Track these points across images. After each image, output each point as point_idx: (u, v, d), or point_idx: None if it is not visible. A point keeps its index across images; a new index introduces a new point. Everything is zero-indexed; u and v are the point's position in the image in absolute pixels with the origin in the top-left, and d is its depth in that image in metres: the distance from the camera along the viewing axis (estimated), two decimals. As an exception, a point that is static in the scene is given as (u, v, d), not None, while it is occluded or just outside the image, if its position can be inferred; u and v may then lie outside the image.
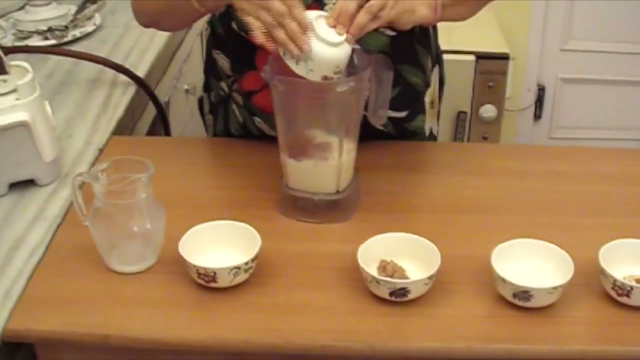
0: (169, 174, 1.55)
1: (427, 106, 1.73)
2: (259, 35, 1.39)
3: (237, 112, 1.69)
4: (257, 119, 1.66)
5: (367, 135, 1.52)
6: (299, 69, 1.35)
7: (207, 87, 1.80)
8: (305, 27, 1.33)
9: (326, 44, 1.34)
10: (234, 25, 1.58)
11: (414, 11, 1.43)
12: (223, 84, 1.70)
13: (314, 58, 1.34)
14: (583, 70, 3.65)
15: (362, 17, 1.35)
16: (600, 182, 1.62)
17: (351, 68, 1.39)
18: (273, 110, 1.44)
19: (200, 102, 1.85)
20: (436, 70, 1.76)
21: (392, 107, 1.59)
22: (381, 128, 1.66)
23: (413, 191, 1.58)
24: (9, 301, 1.26)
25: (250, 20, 1.38)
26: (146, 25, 1.68)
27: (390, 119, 1.63)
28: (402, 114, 1.68)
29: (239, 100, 1.67)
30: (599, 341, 1.23)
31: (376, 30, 1.46)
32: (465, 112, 3.24)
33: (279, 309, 1.26)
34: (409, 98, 1.68)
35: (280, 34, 1.33)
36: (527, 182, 1.61)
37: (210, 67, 1.74)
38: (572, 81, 3.68)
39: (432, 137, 1.80)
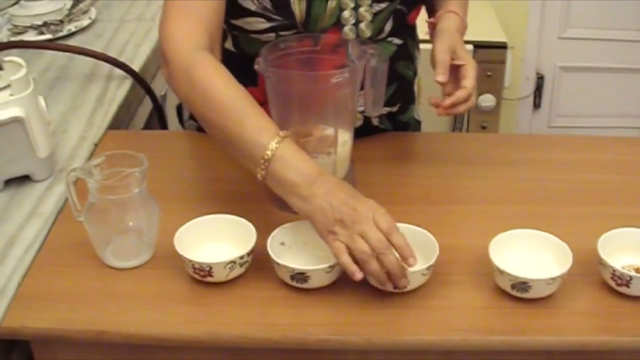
0: (164, 168, 1.55)
1: (416, 95, 1.74)
2: (346, 262, 1.20)
3: None
4: None
5: (365, 132, 1.51)
6: None
7: None
8: (406, 256, 1.20)
9: None
10: (227, 45, 1.56)
11: None
12: None
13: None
14: (582, 58, 3.64)
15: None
16: (599, 171, 1.61)
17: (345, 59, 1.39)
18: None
19: (179, 109, 1.82)
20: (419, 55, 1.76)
21: (389, 103, 1.59)
22: (377, 124, 1.65)
23: (410, 182, 1.57)
24: (4, 298, 1.25)
25: (337, 245, 1.21)
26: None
27: (385, 114, 1.62)
28: (396, 108, 1.68)
29: None
30: (598, 331, 1.22)
31: (385, 40, 1.50)
32: (463, 102, 3.23)
33: (275, 302, 1.26)
34: (404, 91, 1.68)
35: (375, 267, 1.19)
36: (525, 171, 1.60)
37: None
38: (571, 69, 3.67)
39: (417, 123, 1.79)
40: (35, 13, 2.13)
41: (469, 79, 1.42)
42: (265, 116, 1.29)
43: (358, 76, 1.38)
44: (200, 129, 1.73)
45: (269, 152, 1.24)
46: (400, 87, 1.65)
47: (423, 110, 1.77)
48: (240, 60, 1.51)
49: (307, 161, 1.26)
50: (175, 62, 1.34)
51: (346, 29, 1.49)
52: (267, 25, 1.46)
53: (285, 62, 1.39)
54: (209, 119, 1.32)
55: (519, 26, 3.54)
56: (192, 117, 1.75)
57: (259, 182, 1.28)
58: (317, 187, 1.24)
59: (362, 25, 1.50)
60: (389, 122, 1.69)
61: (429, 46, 1.50)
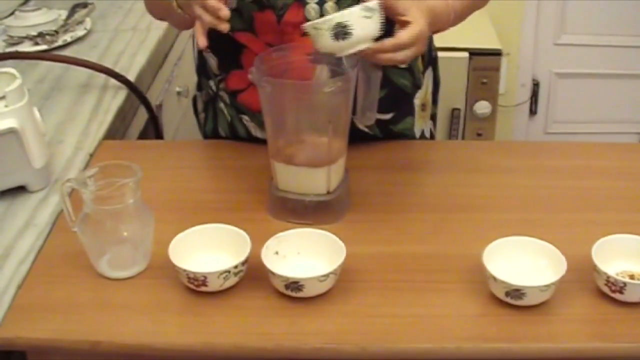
0: (158, 178, 1.55)
1: (417, 108, 1.72)
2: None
3: (225, 111, 1.69)
4: (245, 117, 1.66)
5: (352, 138, 1.51)
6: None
7: (199, 86, 1.80)
8: None
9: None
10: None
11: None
12: (212, 83, 1.70)
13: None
14: (577, 64, 3.65)
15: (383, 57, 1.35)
16: (594, 177, 1.61)
17: (338, 68, 1.39)
18: (259, 108, 1.44)
19: (194, 101, 1.84)
20: (429, 72, 1.75)
21: (378, 109, 1.58)
22: (367, 130, 1.65)
23: (404, 190, 1.57)
24: (-1, 309, 1.25)
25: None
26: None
27: (375, 120, 1.62)
28: (388, 116, 1.67)
29: (226, 99, 1.68)
30: (592, 338, 1.22)
31: None
32: (459, 109, 3.24)
33: (269, 312, 1.26)
34: (396, 100, 1.67)
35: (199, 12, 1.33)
36: (519, 178, 1.60)
37: (201, 66, 1.75)
38: (566, 75, 3.68)
39: (425, 140, 1.78)
40: (30, 24, 2.14)
41: (404, 32, 1.34)
42: None
43: (352, 85, 1.38)
44: (206, 133, 1.80)
45: None
46: (392, 95, 1.65)
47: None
48: (225, 43, 1.56)
49: None
50: None
51: (309, 7, 1.49)
52: None
53: (279, 70, 1.39)
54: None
55: (514, 33, 3.56)
56: (204, 109, 1.79)
57: (185, 16, 1.43)
58: None
59: (327, 6, 1.49)
60: (379, 130, 1.68)
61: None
